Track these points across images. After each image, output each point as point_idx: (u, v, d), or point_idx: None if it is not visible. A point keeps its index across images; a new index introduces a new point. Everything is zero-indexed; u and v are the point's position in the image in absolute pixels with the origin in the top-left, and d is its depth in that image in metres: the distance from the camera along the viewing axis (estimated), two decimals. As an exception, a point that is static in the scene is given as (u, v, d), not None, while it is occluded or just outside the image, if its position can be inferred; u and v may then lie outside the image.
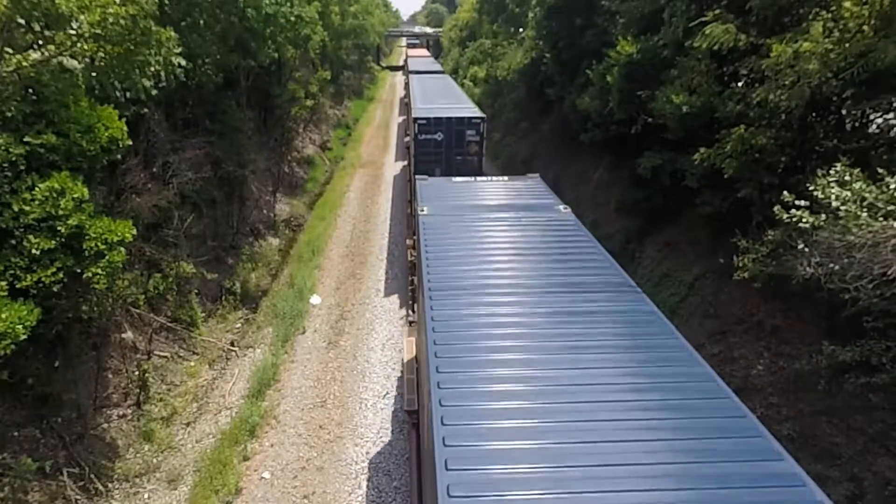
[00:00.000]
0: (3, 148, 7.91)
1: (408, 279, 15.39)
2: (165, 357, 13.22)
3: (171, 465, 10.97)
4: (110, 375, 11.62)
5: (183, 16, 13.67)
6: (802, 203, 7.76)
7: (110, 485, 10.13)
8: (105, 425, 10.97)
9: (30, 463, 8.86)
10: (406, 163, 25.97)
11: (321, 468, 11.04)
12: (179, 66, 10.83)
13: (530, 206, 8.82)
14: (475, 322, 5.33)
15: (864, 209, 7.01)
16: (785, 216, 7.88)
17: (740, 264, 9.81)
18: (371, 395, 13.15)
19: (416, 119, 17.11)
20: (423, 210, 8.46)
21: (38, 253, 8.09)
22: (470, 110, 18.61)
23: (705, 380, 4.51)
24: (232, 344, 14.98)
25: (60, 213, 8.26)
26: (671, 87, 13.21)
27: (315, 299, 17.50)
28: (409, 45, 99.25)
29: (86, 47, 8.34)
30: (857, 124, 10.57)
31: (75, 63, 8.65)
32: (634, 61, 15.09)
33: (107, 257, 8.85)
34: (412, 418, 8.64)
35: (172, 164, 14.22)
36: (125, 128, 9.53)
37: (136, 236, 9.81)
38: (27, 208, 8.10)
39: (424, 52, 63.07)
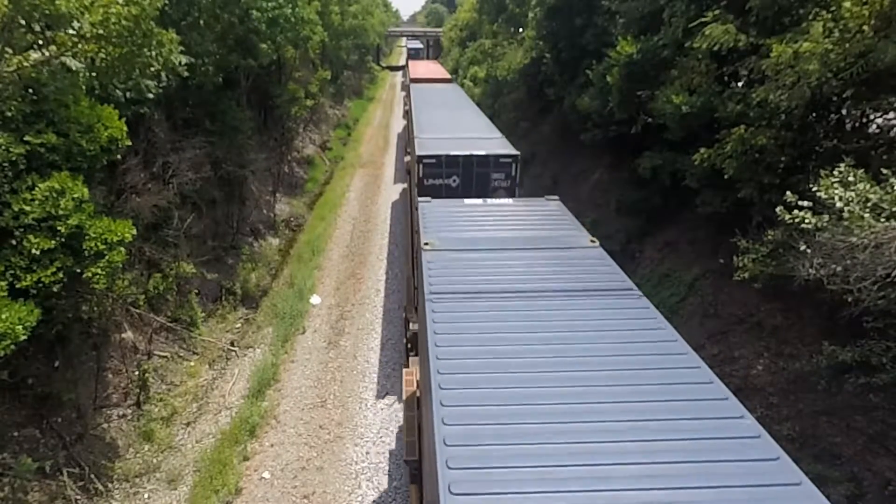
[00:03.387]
0: (3, 147, 7.91)
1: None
2: (165, 357, 13.21)
3: (171, 465, 10.96)
4: (110, 375, 11.61)
5: (183, 16, 13.67)
6: (805, 203, 7.76)
7: (110, 485, 10.12)
8: (105, 425, 10.96)
9: (30, 463, 8.85)
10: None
11: (321, 468, 11.03)
12: (181, 63, 10.80)
13: (553, 239, 7.29)
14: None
15: (868, 210, 7.00)
16: (787, 217, 7.88)
17: (740, 264, 9.81)
18: (371, 395, 13.15)
19: None
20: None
21: (38, 253, 8.09)
22: None
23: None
24: (232, 344, 14.98)
25: (60, 213, 8.25)
26: (671, 87, 13.21)
27: (315, 299, 17.50)
28: (411, 53, 73.60)
29: (87, 48, 8.33)
30: (857, 124, 10.57)
31: (77, 63, 8.64)
32: (634, 61, 15.09)
33: (107, 257, 8.84)
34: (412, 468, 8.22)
35: (172, 164, 14.21)
36: (125, 128, 9.53)
37: (136, 236, 9.80)
38: (27, 208, 8.10)
39: (438, 69, 36.20)
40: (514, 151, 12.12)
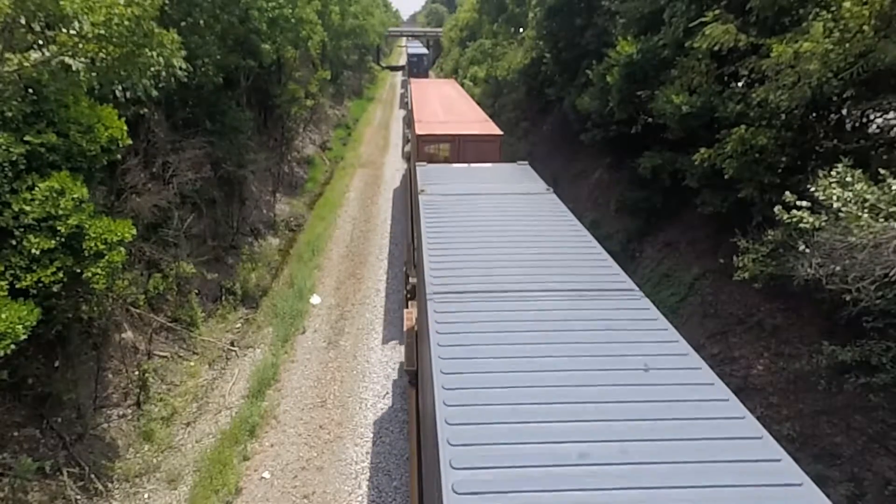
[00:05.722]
0: (3, 147, 7.91)
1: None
2: (165, 357, 13.22)
3: (171, 464, 10.96)
4: (110, 375, 11.61)
5: (183, 16, 13.67)
6: (803, 203, 7.76)
7: (110, 485, 10.12)
8: (105, 425, 10.96)
9: (30, 463, 8.85)
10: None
11: (321, 468, 11.03)
12: (180, 68, 10.82)
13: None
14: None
15: (866, 210, 7.00)
16: (785, 216, 7.89)
17: (740, 264, 9.82)
18: (371, 395, 13.15)
19: None
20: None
21: (38, 253, 8.09)
22: None
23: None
24: (232, 344, 14.98)
25: (60, 212, 8.25)
26: (671, 87, 13.22)
27: (315, 299, 17.50)
28: (412, 60, 52.81)
29: (88, 48, 8.33)
30: (857, 124, 10.57)
31: (77, 63, 8.64)
32: (634, 61, 15.09)
33: (107, 257, 8.85)
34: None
35: (172, 164, 14.21)
36: (125, 128, 9.53)
37: (136, 236, 9.80)
38: (27, 208, 8.10)
39: (469, 106, 19.28)
40: None
